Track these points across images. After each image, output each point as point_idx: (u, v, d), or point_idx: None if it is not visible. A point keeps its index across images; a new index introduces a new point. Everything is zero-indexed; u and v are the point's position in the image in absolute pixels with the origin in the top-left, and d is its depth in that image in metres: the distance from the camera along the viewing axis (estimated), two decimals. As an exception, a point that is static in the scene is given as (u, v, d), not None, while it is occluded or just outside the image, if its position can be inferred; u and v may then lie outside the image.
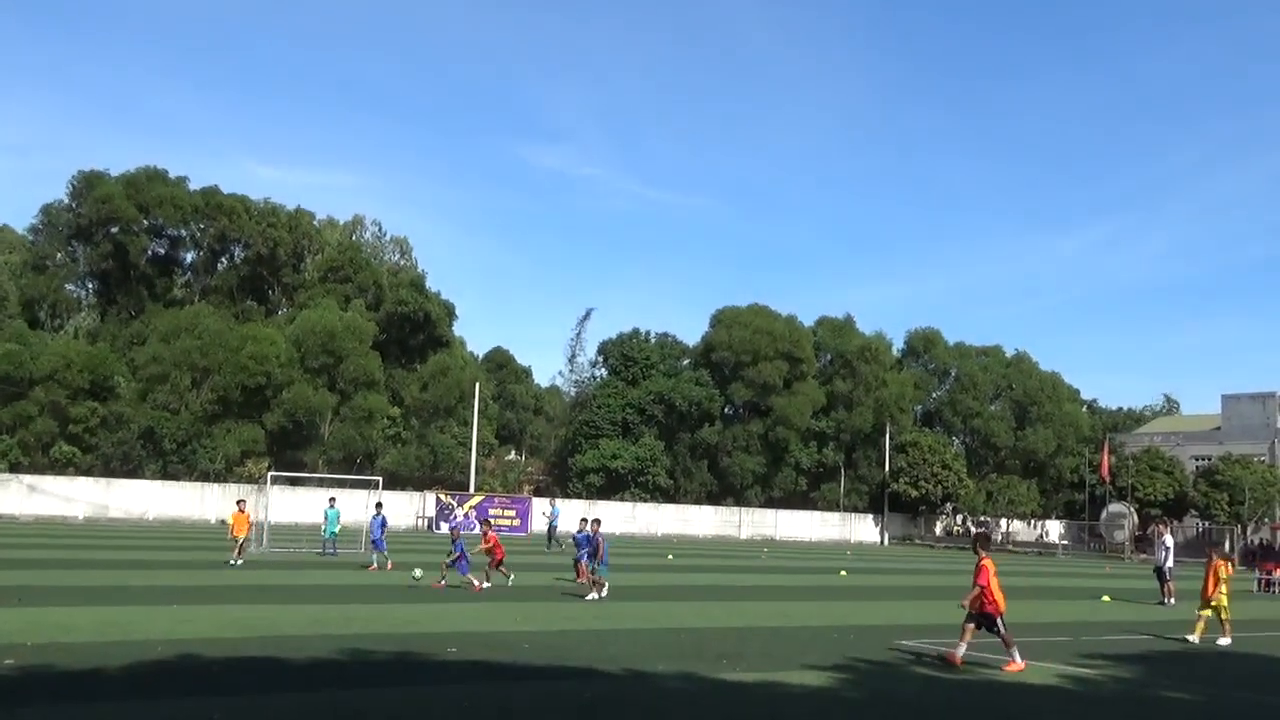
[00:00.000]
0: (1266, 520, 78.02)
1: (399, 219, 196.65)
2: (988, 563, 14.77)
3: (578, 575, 25.89)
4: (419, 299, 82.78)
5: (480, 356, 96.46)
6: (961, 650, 14.66)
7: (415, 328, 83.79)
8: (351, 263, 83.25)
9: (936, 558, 61.08)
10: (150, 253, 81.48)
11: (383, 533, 30.31)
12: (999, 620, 14.54)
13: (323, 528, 35.55)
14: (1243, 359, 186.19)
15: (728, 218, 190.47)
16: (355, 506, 53.57)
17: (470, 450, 73.64)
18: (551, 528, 49.46)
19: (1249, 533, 77.10)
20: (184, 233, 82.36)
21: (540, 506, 65.60)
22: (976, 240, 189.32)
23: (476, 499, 67.40)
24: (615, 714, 10.53)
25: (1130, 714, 11.66)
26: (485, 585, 23.60)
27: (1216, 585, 19.68)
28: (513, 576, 24.88)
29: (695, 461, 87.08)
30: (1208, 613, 19.61)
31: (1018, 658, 14.36)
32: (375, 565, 28.98)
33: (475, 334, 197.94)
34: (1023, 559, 64.56)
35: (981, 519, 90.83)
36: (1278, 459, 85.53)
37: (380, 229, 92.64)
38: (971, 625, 14.75)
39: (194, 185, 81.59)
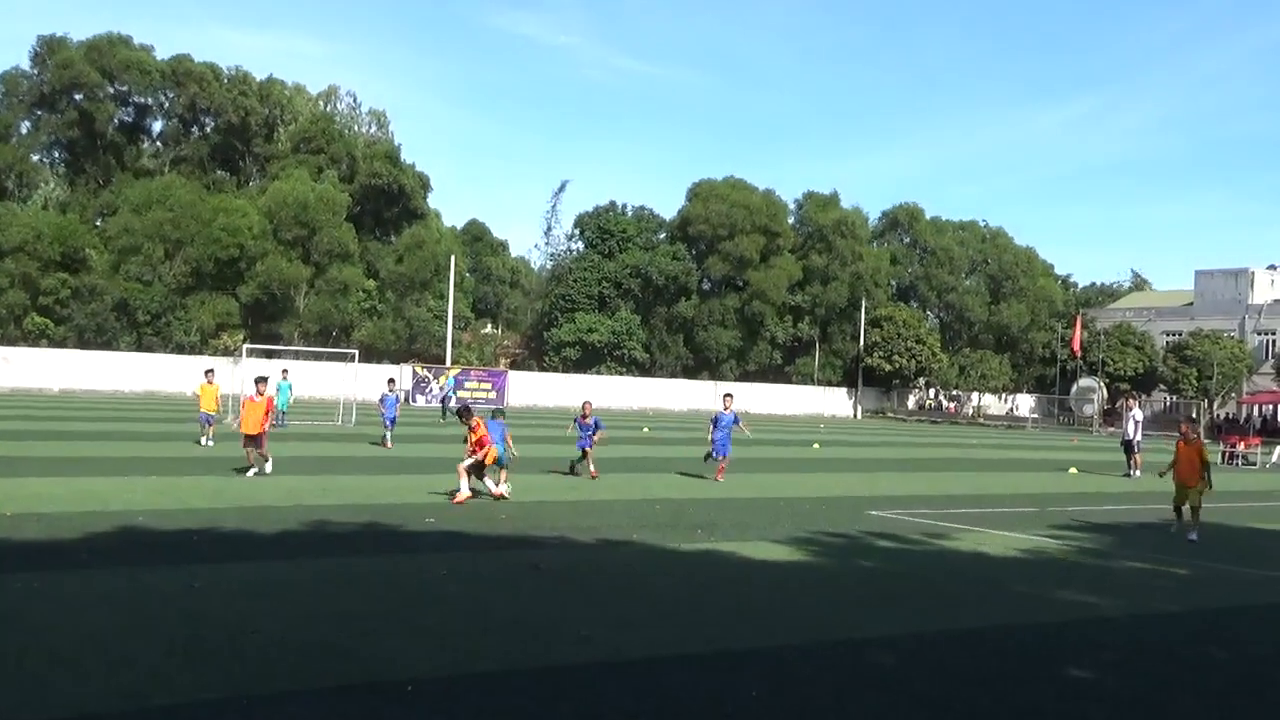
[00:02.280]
0: (1233, 395, 79.27)
1: (373, 89, 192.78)
2: (479, 422, 17.51)
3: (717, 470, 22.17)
4: (393, 171, 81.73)
5: (456, 229, 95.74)
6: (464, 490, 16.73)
7: (390, 200, 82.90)
8: (325, 133, 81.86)
9: (908, 430, 61.99)
10: (117, 121, 79.87)
11: (396, 410, 29.12)
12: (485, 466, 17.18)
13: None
14: (1215, 236, 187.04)
15: (707, 89, 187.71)
16: (333, 379, 53.70)
17: (446, 323, 73.61)
18: (445, 399, 49.29)
19: (1215, 407, 78.40)
20: (151, 101, 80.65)
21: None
22: (960, 114, 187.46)
23: (453, 372, 67.63)
24: (588, 582, 10.75)
25: (1091, 582, 11.99)
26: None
27: (1203, 469, 16.47)
28: (269, 465, 19.46)
29: (671, 335, 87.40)
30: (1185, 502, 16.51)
31: (464, 489, 16.72)
32: (389, 444, 27.97)
33: (451, 206, 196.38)
34: (993, 432, 65.59)
35: (953, 392, 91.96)
36: (1247, 334, 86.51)
37: (355, 100, 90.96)
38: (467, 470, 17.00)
39: (160, 54, 79.71)
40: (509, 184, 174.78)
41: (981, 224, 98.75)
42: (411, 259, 78.37)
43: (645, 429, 45.41)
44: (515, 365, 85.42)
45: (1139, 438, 30.32)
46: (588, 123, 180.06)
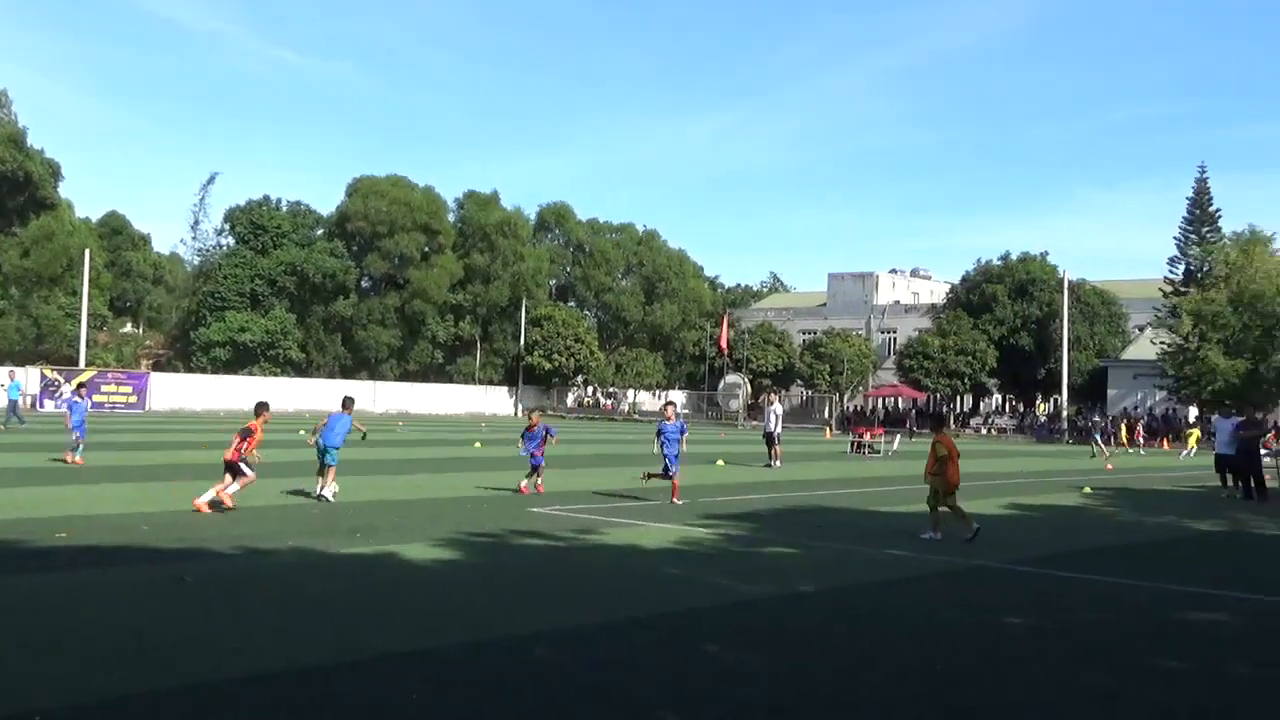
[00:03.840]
0: (861, 389, 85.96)
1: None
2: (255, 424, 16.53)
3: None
4: (18, 157, 74.90)
5: (91, 221, 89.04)
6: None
7: (14, 188, 75.93)
8: (-68, 112, 74.02)
9: (567, 428, 63.18)
10: None
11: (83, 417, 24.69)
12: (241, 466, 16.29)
13: None
14: (844, 242, 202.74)
15: (365, 85, 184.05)
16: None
17: (80, 322, 68.36)
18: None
19: (845, 400, 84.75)
20: None
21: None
22: (614, 121, 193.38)
23: (87, 374, 62.86)
24: (240, 592, 10.29)
25: (737, 568, 12.67)
26: None
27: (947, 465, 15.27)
28: None
29: (329, 334, 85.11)
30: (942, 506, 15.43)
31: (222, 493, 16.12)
32: (79, 458, 23.86)
33: (86, 197, 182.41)
34: (647, 428, 67.89)
35: (610, 390, 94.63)
36: (873, 333, 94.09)
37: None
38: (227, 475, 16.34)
39: None
40: (153, 175, 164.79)
41: (639, 228, 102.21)
42: (39, 252, 72.19)
43: (302, 431, 43.92)
44: (159, 366, 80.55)
45: (779, 430, 32.33)
46: (239, 114, 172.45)
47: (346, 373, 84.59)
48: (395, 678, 7.42)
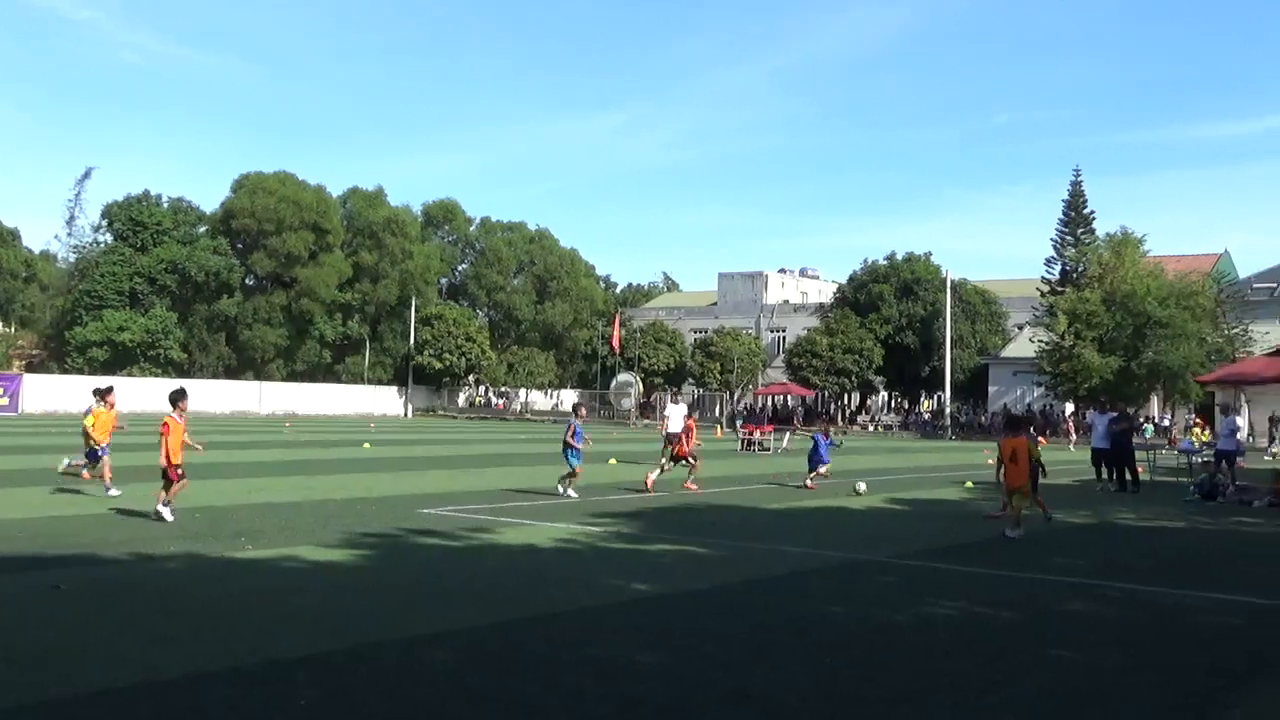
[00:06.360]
0: (751, 387, 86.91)
1: None
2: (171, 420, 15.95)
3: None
4: (-124, 147, 71.77)
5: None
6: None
7: (-128, 181, 72.76)
8: None
9: (458, 428, 62.72)
10: None
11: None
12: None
13: None
14: (735, 242, 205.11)
15: (247, 79, 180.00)
16: None
17: (-54, 322, 65.74)
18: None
19: (736, 398, 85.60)
20: None
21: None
22: (505, 119, 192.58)
23: None
24: (119, 599, 9.99)
25: (627, 567, 12.72)
26: None
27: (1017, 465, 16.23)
28: None
29: (212, 334, 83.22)
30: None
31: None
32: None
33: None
34: (540, 427, 67.79)
35: (502, 389, 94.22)
36: (763, 332, 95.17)
37: None
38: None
39: None
40: (23, 169, 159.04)
41: (531, 226, 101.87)
42: (-99, 249, 69.29)
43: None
44: (32, 367, 77.84)
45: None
46: (116, 107, 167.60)
47: (231, 373, 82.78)
48: (283, 684, 7.30)
